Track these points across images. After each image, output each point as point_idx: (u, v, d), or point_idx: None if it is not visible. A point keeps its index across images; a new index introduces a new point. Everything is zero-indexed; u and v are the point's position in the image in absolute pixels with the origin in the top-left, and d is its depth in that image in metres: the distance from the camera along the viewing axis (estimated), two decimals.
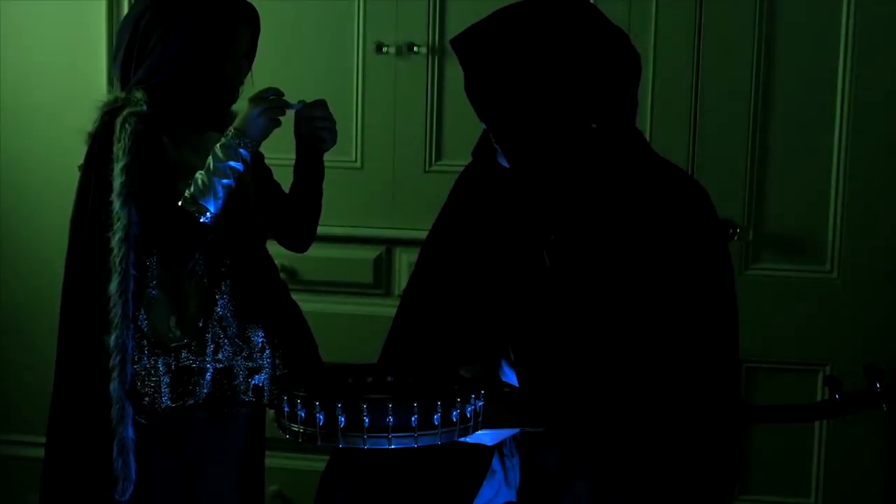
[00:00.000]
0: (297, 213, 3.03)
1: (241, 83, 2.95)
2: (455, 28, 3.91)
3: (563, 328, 2.37)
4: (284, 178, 3.07)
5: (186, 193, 2.76)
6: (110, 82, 3.54)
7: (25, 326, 4.16)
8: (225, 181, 2.76)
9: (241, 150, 2.78)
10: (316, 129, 2.93)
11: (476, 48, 2.33)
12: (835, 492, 3.82)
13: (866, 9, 3.66)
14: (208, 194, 2.76)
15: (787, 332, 3.78)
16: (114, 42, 3.05)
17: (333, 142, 2.98)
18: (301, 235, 3.07)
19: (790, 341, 3.78)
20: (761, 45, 3.73)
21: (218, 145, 2.79)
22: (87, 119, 2.90)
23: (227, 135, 2.79)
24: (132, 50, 2.86)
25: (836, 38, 3.69)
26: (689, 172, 3.46)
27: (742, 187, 3.76)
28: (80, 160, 2.92)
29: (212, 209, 2.76)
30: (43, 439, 2.93)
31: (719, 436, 2.39)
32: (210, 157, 2.78)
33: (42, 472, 2.91)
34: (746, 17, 3.72)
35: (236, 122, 2.81)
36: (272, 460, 3.68)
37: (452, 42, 2.36)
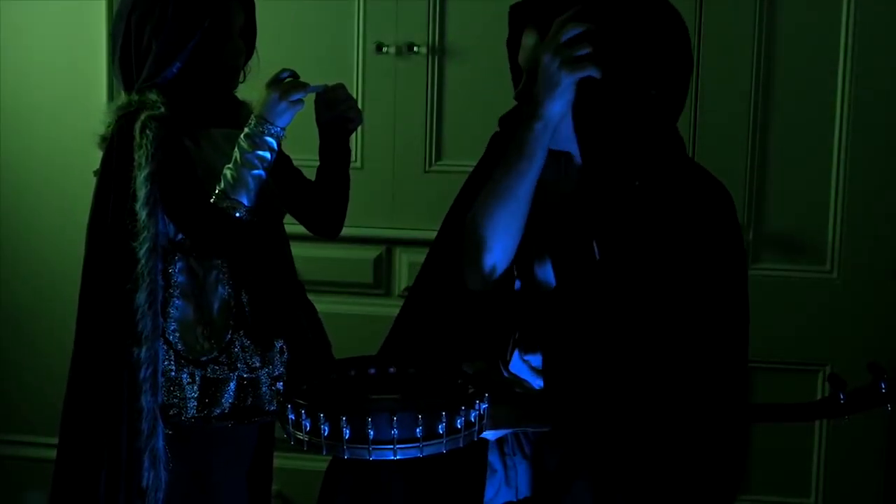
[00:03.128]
0: (328, 198, 2.97)
1: (243, 66, 2.91)
2: (455, 28, 3.92)
3: (600, 323, 2.37)
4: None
5: (217, 189, 2.71)
6: (110, 84, 3.54)
7: (25, 326, 4.15)
8: (255, 172, 2.70)
9: (267, 138, 2.71)
10: (340, 112, 2.88)
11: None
12: (835, 492, 3.82)
13: (866, 9, 3.66)
14: (240, 188, 2.70)
15: (787, 332, 3.78)
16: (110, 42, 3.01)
17: (360, 120, 2.93)
18: (333, 220, 3.01)
19: (790, 341, 3.79)
20: (761, 45, 3.73)
21: (242, 136, 2.73)
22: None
23: (250, 124, 2.72)
24: (128, 47, 2.80)
25: (836, 38, 3.69)
26: None
27: (742, 187, 3.76)
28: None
29: (245, 202, 2.71)
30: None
31: (724, 437, 2.39)
32: (236, 149, 2.72)
33: (54, 483, 2.85)
34: (746, 17, 3.72)
35: (257, 110, 2.74)
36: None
37: (513, 8, 2.36)
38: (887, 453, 3.77)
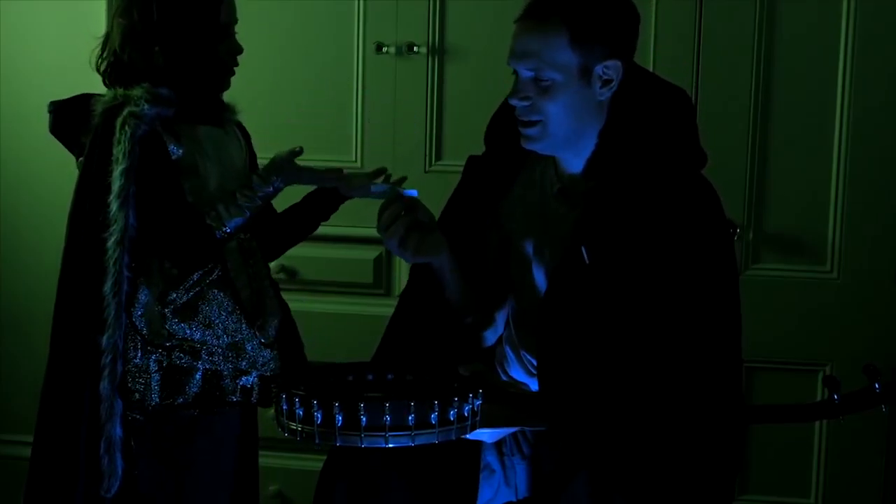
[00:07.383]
0: (288, 233, 3.07)
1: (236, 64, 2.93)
2: (455, 28, 3.92)
3: (593, 326, 2.37)
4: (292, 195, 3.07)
5: (215, 218, 2.78)
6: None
7: (25, 326, 4.16)
8: (253, 206, 2.81)
9: (270, 190, 2.83)
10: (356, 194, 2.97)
11: None
12: (835, 492, 3.82)
13: (866, 10, 3.66)
14: (235, 216, 2.80)
15: (787, 332, 3.78)
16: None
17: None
18: (278, 250, 3.11)
19: (790, 341, 3.78)
20: (761, 46, 3.73)
21: (255, 175, 2.83)
22: None
23: (266, 173, 2.83)
24: (118, 45, 2.82)
25: (836, 39, 3.69)
26: None
27: (742, 187, 3.76)
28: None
29: (229, 229, 2.79)
30: None
31: (720, 435, 2.39)
32: (250, 178, 2.82)
33: (29, 467, 2.91)
34: (746, 17, 3.72)
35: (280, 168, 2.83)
36: (272, 460, 3.68)
37: None
38: (887, 453, 3.76)
